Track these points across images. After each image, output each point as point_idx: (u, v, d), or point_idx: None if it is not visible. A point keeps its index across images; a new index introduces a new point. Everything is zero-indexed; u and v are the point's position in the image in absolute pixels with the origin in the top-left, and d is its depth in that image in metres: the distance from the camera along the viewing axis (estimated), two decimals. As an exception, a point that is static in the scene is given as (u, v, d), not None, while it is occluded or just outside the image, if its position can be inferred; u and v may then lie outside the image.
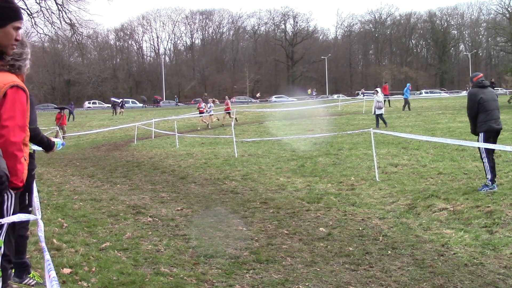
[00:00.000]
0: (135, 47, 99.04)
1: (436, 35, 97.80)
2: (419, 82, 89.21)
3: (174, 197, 8.12)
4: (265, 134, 19.42)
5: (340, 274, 4.42)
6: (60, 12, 25.35)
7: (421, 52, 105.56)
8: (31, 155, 3.72)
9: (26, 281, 3.97)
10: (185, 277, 4.34)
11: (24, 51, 3.15)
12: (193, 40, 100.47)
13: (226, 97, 32.81)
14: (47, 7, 25.48)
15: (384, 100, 33.56)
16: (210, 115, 26.22)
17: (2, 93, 2.67)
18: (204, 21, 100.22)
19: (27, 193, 3.77)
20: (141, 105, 67.51)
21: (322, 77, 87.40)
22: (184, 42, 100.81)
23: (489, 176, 7.14)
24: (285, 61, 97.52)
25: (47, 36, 30.91)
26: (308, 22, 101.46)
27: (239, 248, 5.22)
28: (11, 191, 2.78)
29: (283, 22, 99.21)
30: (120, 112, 44.63)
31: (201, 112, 26.51)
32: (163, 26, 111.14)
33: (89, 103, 72.91)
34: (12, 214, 3.04)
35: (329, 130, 18.77)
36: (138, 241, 5.48)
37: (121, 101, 52.23)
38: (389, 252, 4.99)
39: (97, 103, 73.64)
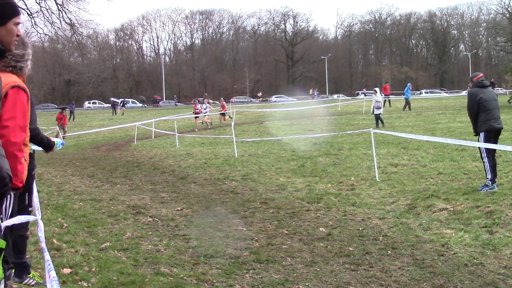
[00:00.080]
0: (135, 47, 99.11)
1: (436, 35, 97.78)
2: (419, 82, 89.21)
3: (174, 197, 8.12)
4: (265, 134, 19.42)
5: (340, 274, 4.42)
6: (60, 12, 25.35)
7: (421, 52, 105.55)
8: (31, 155, 3.72)
9: (26, 281, 3.97)
10: (185, 277, 4.34)
11: (26, 52, 3.16)
12: (193, 40, 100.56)
13: (222, 98, 32.63)
14: (47, 7, 25.49)
15: (385, 100, 33.67)
16: (205, 115, 26.00)
17: (3, 93, 2.67)
18: (204, 21, 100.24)
19: (27, 193, 3.77)
20: (141, 105, 67.49)
21: (322, 77, 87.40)
22: (184, 42, 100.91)
23: (489, 176, 7.14)
24: (285, 61, 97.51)
25: (47, 36, 30.92)
26: (308, 22, 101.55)
27: (239, 248, 5.22)
28: (11, 191, 2.78)
29: (283, 22, 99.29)
30: (121, 112, 44.62)
31: (197, 114, 26.22)
32: (163, 26, 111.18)
33: (89, 103, 72.89)
34: (11, 214, 3.04)
35: (329, 130, 18.77)
36: (138, 241, 5.48)
37: (122, 100, 52.21)
38: (389, 252, 4.99)
39: (97, 103, 73.62)
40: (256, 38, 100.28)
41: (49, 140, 4.01)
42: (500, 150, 7.72)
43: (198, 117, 25.88)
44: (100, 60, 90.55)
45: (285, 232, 5.83)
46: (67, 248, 5.16)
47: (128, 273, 4.41)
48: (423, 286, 4.11)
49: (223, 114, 26.71)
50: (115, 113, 44.25)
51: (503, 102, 25.73)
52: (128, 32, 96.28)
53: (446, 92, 70.63)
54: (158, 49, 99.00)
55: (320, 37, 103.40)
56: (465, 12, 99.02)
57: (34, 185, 4.00)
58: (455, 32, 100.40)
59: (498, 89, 54.75)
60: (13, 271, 3.87)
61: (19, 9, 2.48)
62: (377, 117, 18.92)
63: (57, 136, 20.05)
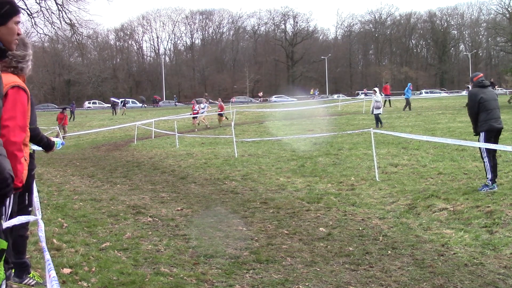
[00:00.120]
0: (135, 47, 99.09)
1: (436, 35, 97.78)
2: (419, 82, 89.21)
3: (174, 197, 8.12)
4: (265, 134, 19.42)
5: (340, 274, 4.42)
6: (60, 12, 25.35)
7: (421, 52, 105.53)
8: (31, 155, 3.73)
9: (26, 281, 3.97)
10: (185, 277, 4.34)
11: (27, 53, 3.17)
12: (193, 40, 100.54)
13: (219, 99, 32.45)
14: (47, 7, 25.48)
15: (386, 100, 33.67)
16: (202, 115, 25.80)
17: (3, 93, 2.67)
18: (204, 21, 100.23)
19: (27, 193, 3.77)
20: (140, 105, 67.50)
21: (322, 77, 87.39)
22: (184, 42, 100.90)
23: (489, 176, 7.14)
24: (285, 61, 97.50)
25: (47, 36, 30.93)
26: (308, 22, 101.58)
27: (239, 248, 5.22)
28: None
29: (283, 22, 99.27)
30: (122, 112, 44.60)
31: (195, 114, 25.93)
32: (163, 26, 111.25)
33: (89, 103, 72.88)
34: (11, 214, 3.04)
35: (329, 130, 18.77)
36: (138, 241, 5.48)
37: (123, 100, 52.20)
38: (389, 252, 4.99)
39: (97, 103, 73.61)
40: (256, 38, 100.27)
41: (49, 140, 4.01)
42: (500, 150, 7.73)
43: (196, 117, 25.64)
44: (100, 60, 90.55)
45: (285, 232, 5.83)
46: (67, 248, 5.16)
47: (128, 273, 4.41)
48: (423, 286, 4.11)
49: (221, 115, 26.54)
50: (115, 113, 44.24)
51: (503, 102, 25.73)
52: (128, 32, 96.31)
53: (446, 92, 70.63)
54: (158, 49, 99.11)
55: (320, 37, 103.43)
56: (465, 12, 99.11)
57: (34, 185, 4.00)
58: (455, 32, 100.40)
59: (498, 89, 54.69)
60: (13, 271, 3.87)
61: (18, 7, 2.48)
62: (377, 117, 18.93)
63: (57, 136, 20.06)
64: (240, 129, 21.55)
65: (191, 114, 26.73)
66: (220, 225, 6.18)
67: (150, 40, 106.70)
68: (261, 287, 4.15)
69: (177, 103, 72.23)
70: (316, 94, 67.66)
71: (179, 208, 7.21)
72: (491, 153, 7.20)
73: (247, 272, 4.49)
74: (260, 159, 12.02)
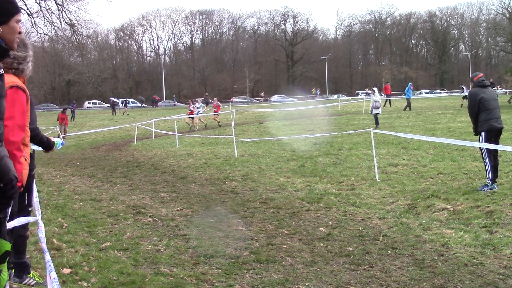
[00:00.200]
0: (135, 47, 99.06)
1: (436, 35, 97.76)
2: (419, 82, 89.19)
3: (174, 197, 8.12)
4: (265, 134, 19.42)
5: (340, 274, 4.42)
6: (60, 12, 25.35)
7: (421, 52, 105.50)
8: (31, 155, 3.73)
9: (26, 281, 3.97)
10: (185, 277, 4.34)
11: (28, 54, 3.17)
12: (193, 40, 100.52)
13: (215, 98, 32.25)
14: (47, 7, 25.49)
15: (386, 100, 33.67)
16: (198, 115, 25.61)
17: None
18: (204, 21, 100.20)
19: (27, 193, 3.77)
20: (139, 105, 67.49)
21: (322, 77, 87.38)
22: (184, 42, 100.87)
23: (489, 176, 7.14)
24: (285, 61, 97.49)
25: (47, 36, 30.93)
26: (308, 22, 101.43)
27: (239, 248, 5.22)
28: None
29: (283, 22, 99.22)
30: (124, 112, 44.57)
31: (191, 114, 25.73)
32: (163, 26, 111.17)
33: (89, 103, 72.87)
34: (11, 214, 3.04)
35: (329, 130, 18.77)
36: (138, 241, 5.48)
37: (124, 100, 52.17)
38: (389, 252, 4.99)
39: (97, 103, 73.59)
40: (256, 38, 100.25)
41: (49, 140, 4.02)
42: (500, 150, 7.72)
43: (193, 117, 25.39)
44: (100, 60, 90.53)
45: (285, 232, 5.83)
46: (67, 248, 5.16)
47: (128, 273, 4.41)
48: (423, 286, 4.11)
49: (217, 115, 26.32)
50: (115, 113, 44.21)
51: (503, 102, 25.72)
52: (128, 32, 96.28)
53: (446, 92, 70.61)
54: (158, 49, 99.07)
55: (320, 37, 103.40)
56: (465, 12, 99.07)
57: (34, 185, 4.00)
58: (455, 32, 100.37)
59: (499, 89, 54.65)
60: (13, 271, 3.87)
61: (19, 6, 2.48)
62: (375, 117, 18.93)
63: (58, 136, 20.07)
64: (240, 129, 21.54)
65: (187, 114, 26.55)
66: (220, 225, 6.18)
67: (150, 40, 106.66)
68: (261, 287, 4.15)
69: (176, 103, 72.20)
70: (318, 93, 67.77)
71: (179, 208, 7.21)
72: (492, 153, 7.20)
73: (247, 272, 4.49)
74: (260, 159, 12.02)
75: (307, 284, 4.19)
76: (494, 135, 7.31)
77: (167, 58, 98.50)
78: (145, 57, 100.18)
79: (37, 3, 24.93)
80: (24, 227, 3.90)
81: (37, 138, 3.84)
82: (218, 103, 28.24)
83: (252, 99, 72.35)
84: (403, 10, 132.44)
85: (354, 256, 4.89)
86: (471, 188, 7.32)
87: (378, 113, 19.09)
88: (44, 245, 3.00)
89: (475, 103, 7.31)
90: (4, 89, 2.42)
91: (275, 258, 4.85)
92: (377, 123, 18.71)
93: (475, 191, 7.09)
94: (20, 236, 3.84)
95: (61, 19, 25.61)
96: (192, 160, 12.69)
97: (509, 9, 76.76)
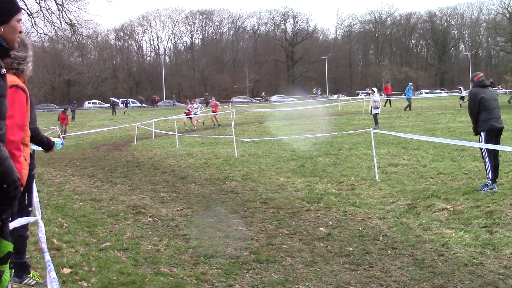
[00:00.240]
0: (135, 47, 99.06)
1: (436, 35, 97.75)
2: (419, 82, 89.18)
3: (174, 197, 8.12)
4: (265, 134, 19.42)
5: (340, 274, 4.42)
6: (60, 12, 25.36)
7: (421, 52, 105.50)
8: (31, 155, 3.73)
9: (26, 281, 3.97)
10: (185, 277, 4.34)
11: (27, 54, 3.17)
12: (193, 40, 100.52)
13: (213, 98, 32.06)
14: (47, 7, 25.50)
15: (387, 100, 33.67)
16: (195, 114, 25.47)
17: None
18: (204, 21, 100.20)
19: (27, 193, 3.77)
20: (139, 105, 67.47)
21: (322, 77, 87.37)
22: (184, 42, 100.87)
23: (489, 176, 7.14)
24: (285, 61, 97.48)
25: (47, 36, 30.95)
26: (308, 22, 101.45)
27: (239, 248, 5.22)
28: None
29: (283, 22, 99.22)
30: (125, 112, 44.55)
31: (188, 114, 25.46)
32: (163, 26, 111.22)
33: (89, 103, 72.87)
34: (11, 215, 3.04)
35: (329, 130, 18.77)
36: (138, 241, 5.48)
37: (125, 101, 52.19)
38: (389, 252, 4.99)
39: (97, 103, 73.59)
40: (256, 38, 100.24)
41: (49, 140, 4.02)
42: (500, 150, 7.72)
43: (190, 117, 25.18)
44: (100, 60, 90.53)
45: (285, 232, 5.83)
46: (67, 248, 5.16)
47: (128, 273, 4.41)
48: (423, 286, 4.11)
49: (215, 114, 26.15)
50: (115, 113, 44.19)
51: (503, 102, 25.72)
52: (128, 32, 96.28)
53: (446, 92, 70.62)
54: (158, 49, 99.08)
55: (320, 37, 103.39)
56: (465, 12, 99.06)
57: (34, 185, 4.00)
58: (455, 32, 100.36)
59: (500, 89, 54.64)
60: (13, 271, 3.87)
61: (19, 5, 2.48)
62: (375, 117, 18.91)
63: (58, 137, 20.07)
64: (240, 129, 21.55)
65: (185, 113, 26.40)
66: (220, 225, 6.18)
67: (150, 40, 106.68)
68: (261, 287, 4.15)
69: (176, 103, 72.17)
70: (319, 93, 67.83)
71: (179, 208, 7.21)
72: (492, 153, 7.20)
73: (247, 272, 4.49)
74: (260, 159, 12.02)
75: (307, 284, 4.19)
76: (494, 135, 7.31)
77: (167, 58, 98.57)
78: (145, 57, 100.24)
79: (37, 3, 24.95)
80: (24, 227, 3.90)
81: (37, 138, 3.84)
82: (217, 102, 28.12)
83: (252, 99, 72.32)
84: (403, 10, 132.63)
85: (354, 256, 4.89)
86: (471, 188, 7.32)
87: (378, 113, 19.09)
88: (44, 245, 3.00)
89: (475, 103, 7.31)
90: (6, 89, 2.42)
91: (275, 258, 4.85)
92: (376, 123, 18.68)
93: (475, 191, 7.09)
94: (20, 236, 3.84)
95: (61, 19, 25.63)
96: (192, 160, 12.69)
97: (509, 9, 76.75)
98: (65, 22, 25.76)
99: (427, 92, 70.59)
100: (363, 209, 6.82)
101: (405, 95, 31.36)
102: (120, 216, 6.72)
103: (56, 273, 2.51)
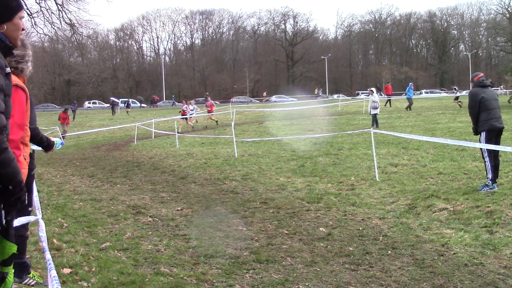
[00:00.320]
0: (135, 47, 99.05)
1: (436, 35, 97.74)
2: (419, 82, 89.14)
3: (174, 197, 8.12)
4: (265, 134, 19.42)
5: (340, 274, 4.42)
6: (60, 12, 25.38)
7: (421, 52, 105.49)
8: (31, 155, 3.73)
9: (26, 281, 3.97)
10: (185, 277, 4.34)
11: (26, 53, 3.16)
12: (193, 40, 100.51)
13: (209, 98, 31.77)
14: (47, 7, 25.53)
15: (388, 100, 33.67)
16: (191, 116, 25.22)
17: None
18: (204, 21, 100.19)
19: (27, 193, 3.76)
20: (138, 105, 67.43)
21: (322, 77, 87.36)
22: (184, 42, 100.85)
23: (489, 176, 7.14)
24: (285, 61, 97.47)
25: (47, 36, 30.98)
26: (308, 22, 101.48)
27: (239, 248, 5.22)
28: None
29: (283, 22, 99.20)
30: (127, 112, 44.51)
31: (183, 115, 25.24)
32: (163, 26, 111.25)
33: (89, 103, 72.86)
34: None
35: (329, 130, 18.77)
36: (138, 241, 5.48)
37: (126, 101, 52.18)
38: (389, 252, 4.99)
39: (97, 103, 73.58)
40: (256, 38, 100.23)
41: (49, 140, 4.02)
42: (500, 150, 7.72)
43: (186, 118, 24.90)
44: (100, 60, 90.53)
45: (285, 232, 5.83)
46: (67, 248, 5.16)
47: (128, 273, 4.41)
48: (423, 286, 4.11)
49: (211, 114, 25.91)
50: (114, 113, 44.16)
51: (503, 102, 25.71)
52: (128, 32, 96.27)
53: (446, 92, 70.61)
54: (158, 49, 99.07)
55: (320, 37, 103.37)
56: (465, 12, 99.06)
57: (34, 185, 4.00)
58: (455, 32, 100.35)
59: (501, 89, 54.64)
60: (13, 271, 3.86)
61: (22, 3, 2.47)
62: (374, 117, 18.88)
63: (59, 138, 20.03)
64: (240, 129, 21.54)
65: (179, 112, 26.16)
66: (220, 225, 6.18)
67: (150, 40, 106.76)
68: (261, 287, 4.15)
69: (176, 103, 72.12)
70: (320, 94, 67.85)
71: (179, 208, 7.21)
72: (492, 153, 7.20)
73: (247, 272, 4.49)
74: (260, 159, 12.02)
75: (307, 284, 4.19)
76: (494, 135, 7.31)
77: (167, 58, 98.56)
78: (145, 57, 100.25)
79: (37, 3, 24.97)
80: (24, 227, 3.91)
81: (37, 138, 3.85)
82: (213, 102, 27.91)
83: (252, 99, 72.29)
84: (403, 10, 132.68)
85: (354, 256, 4.89)
86: (471, 188, 7.32)
87: (377, 114, 19.07)
88: (45, 244, 3.00)
89: (475, 103, 7.31)
90: (11, 88, 2.41)
91: (275, 258, 4.85)
92: (374, 123, 18.54)
93: (475, 191, 7.09)
94: (20, 236, 3.84)
95: (61, 19, 25.65)
96: (192, 160, 12.69)
97: (509, 9, 76.75)
98: (65, 22, 25.78)
99: (427, 92, 70.59)
100: (363, 209, 6.82)
101: (405, 95, 31.35)
102: (120, 216, 6.72)
103: (56, 273, 2.50)
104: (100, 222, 6.35)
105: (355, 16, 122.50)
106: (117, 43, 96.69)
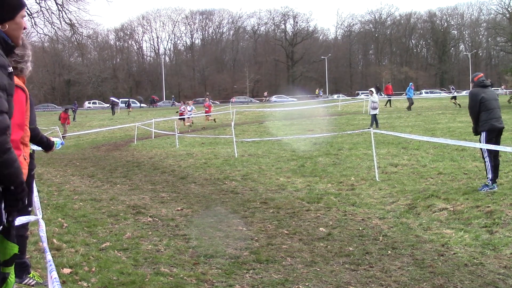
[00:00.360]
0: (135, 47, 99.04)
1: (436, 35, 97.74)
2: (419, 82, 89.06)
3: (174, 197, 8.12)
4: (265, 134, 19.42)
5: (340, 274, 4.42)
6: (60, 12, 25.40)
7: (421, 52, 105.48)
8: (31, 155, 3.73)
9: (26, 281, 3.97)
10: (185, 277, 4.34)
11: (25, 53, 3.16)
12: (193, 40, 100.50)
13: (206, 98, 31.52)
14: (47, 7, 25.54)
15: (388, 100, 33.67)
16: (188, 117, 25.07)
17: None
18: (204, 21, 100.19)
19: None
20: (138, 105, 67.40)
21: (322, 77, 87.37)
22: (184, 42, 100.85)
23: (489, 176, 7.14)
24: (285, 61, 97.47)
25: (47, 36, 30.99)
26: (308, 22, 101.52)
27: (239, 248, 5.22)
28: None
29: (283, 22, 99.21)
30: (128, 112, 44.48)
31: (181, 115, 24.96)
32: (163, 26, 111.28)
33: (89, 103, 72.84)
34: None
35: (329, 130, 18.77)
36: (138, 241, 5.48)
37: (127, 100, 52.20)
38: (389, 252, 4.99)
39: (97, 103, 73.57)
40: (256, 38, 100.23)
41: (49, 140, 4.02)
42: (500, 150, 7.72)
43: (183, 119, 24.63)
44: (100, 60, 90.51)
45: (285, 232, 5.83)
46: (67, 248, 5.16)
47: (128, 273, 4.41)
48: (423, 286, 4.11)
49: (209, 116, 25.65)
50: (114, 113, 44.13)
51: (503, 102, 25.71)
52: (128, 32, 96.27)
53: (446, 92, 70.59)
54: (158, 49, 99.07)
55: (320, 37, 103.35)
56: (465, 12, 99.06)
57: (34, 185, 4.00)
58: (455, 32, 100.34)
59: (502, 89, 54.61)
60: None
61: (24, 1, 2.46)
62: (374, 118, 18.87)
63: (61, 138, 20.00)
64: (240, 129, 21.54)
65: (177, 112, 25.96)
66: (220, 225, 6.18)
67: (150, 40, 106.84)
68: (261, 287, 4.15)
69: (175, 103, 72.04)
70: (321, 94, 67.83)
71: (179, 208, 7.22)
72: (493, 153, 7.19)
73: (247, 272, 4.49)
74: (260, 159, 12.02)
75: (307, 284, 4.19)
76: (495, 135, 7.31)
77: (167, 58, 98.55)
78: (145, 57, 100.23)
79: (37, 3, 24.97)
80: (24, 227, 3.91)
81: (36, 138, 3.85)
82: (210, 103, 27.72)
83: (252, 99, 72.26)
84: (403, 10, 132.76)
85: (354, 256, 4.89)
86: (471, 188, 7.32)
87: (376, 114, 19.06)
88: (45, 244, 3.00)
89: (476, 103, 7.31)
90: (14, 88, 2.40)
91: (275, 258, 4.85)
92: (372, 124, 18.50)
93: (475, 191, 7.09)
94: (20, 236, 3.83)
95: (61, 19, 25.66)
96: (192, 160, 12.69)
97: (509, 9, 76.74)
98: (65, 22, 25.79)
99: (427, 92, 70.60)
100: (363, 209, 6.82)
101: (405, 95, 31.34)
102: (120, 216, 6.72)
103: (56, 273, 2.51)
104: (100, 222, 6.35)
105: (355, 16, 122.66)
106: (117, 43, 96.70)
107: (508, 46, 69.59)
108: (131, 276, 4.33)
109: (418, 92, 70.67)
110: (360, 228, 5.90)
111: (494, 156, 7.23)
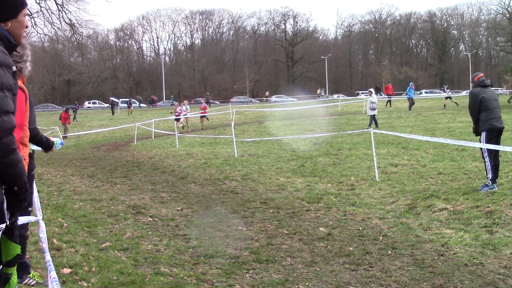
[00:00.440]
0: (135, 47, 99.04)
1: (436, 35, 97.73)
2: (419, 82, 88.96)
3: (174, 197, 8.12)
4: (265, 134, 19.42)
5: (340, 274, 4.42)
6: (60, 12, 25.41)
7: (421, 52, 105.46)
8: (31, 155, 3.73)
9: (26, 281, 3.97)
10: (185, 277, 4.34)
11: (24, 52, 3.16)
12: (193, 40, 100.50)
13: (203, 100, 31.25)
14: (47, 7, 25.56)
15: (388, 100, 33.67)
16: (185, 117, 24.92)
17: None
18: (204, 21, 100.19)
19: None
20: (137, 104, 67.36)
21: (322, 77, 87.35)
22: (184, 42, 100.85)
23: (489, 176, 7.14)
24: (285, 61, 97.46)
25: (47, 36, 31.00)
26: (308, 22, 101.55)
27: (239, 248, 5.22)
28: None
29: (283, 22, 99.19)
30: (130, 112, 44.45)
31: (177, 116, 24.69)
32: (163, 26, 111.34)
33: (89, 103, 72.84)
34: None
35: (329, 130, 18.77)
36: (138, 241, 5.48)
37: (128, 100, 52.18)
38: (389, 252, 4.99)
39: (97, 103, 73.55)
40: (256, 38, 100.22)
41: (48, 140, 4.02)
42: (500, 150, 7.72)
43: (179, 119, 24.31)
44: (100, 60, 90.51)
45: (285, 232, 5.83)
46: (67, 248, 5.16)
47: (128, 273, 4.41)
48: (423, 286, 4.11)
49: (203, 117, 25.43)
50: (114, 113, 44.11)
51: (503, 102, 25.70)
52: (128, 32, 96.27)
53: (438, 93, 70.57)
54: (158, 49, 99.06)
55: (320, 37, 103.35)
56: (465, 12, 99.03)
57: (34, 185, 4.00)
58: (455, 32, 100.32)
59: (503, 89, 54.60)
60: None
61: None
62: (373, 118, 18.85)
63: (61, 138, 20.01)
64: (240, 129, 21.54)
65: (172, 113, 25.72)
66: (220, 225, 6.18)
67: (150, 40, 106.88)
68: (261, 287, 4.15)
69: (175, 103, 71.94)
70: (322, 94, 67.81)
71: (179, 208, 7.21)
72: (493, 153, 7.19)
73: (247, 272, 4.49)
74: (260, 159, 12.02)
75: (307, 284, 4.19)
76: (495, 135, 7.31)
77: (167, 58, 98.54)
78: (145, 57, 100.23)
79: (37, 3, 24.98)
80: (24, 227, 3.90)
81: (36, 138, 3.85)
82: (206, 105, 27.46)
83: (252, 99, 72.23)
84: (403, 10, 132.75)
85: (354, 256, 4.89)
86: (471, 188, 7.32)
87: (375, 114, 19.03)
88: (45, 245, 3.00)
89: (476, 103, 7.31)
90: (17, 88, 2.40)
91: (275, 258, 4.85)
92: (370, 124, 18.42)
93: (475, 191, 7.09)
94: (20, 236, 3.83)
95: (61, 19, 25.67)
96: (192, 160, 12.69)
97: (509, 9, 76.73)
98: (65, 22, 25.81)
99: (427, 92, 70.57)
100: (363, 209, 6.82)
101: (406, 95, 31.34)
102: (120, 216, 6.72)
103: (56, 273, 2.51)
104: (100, 222, 6.35)
105: (355, 16, 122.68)
106: (117, 43, 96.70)
107: (508, 46, 69.61)
108: (131, 276, 4.33)
109: (418, 92, 70.62)
110: (360, 228, 5.90)
111: (494, 156, 7.23)
